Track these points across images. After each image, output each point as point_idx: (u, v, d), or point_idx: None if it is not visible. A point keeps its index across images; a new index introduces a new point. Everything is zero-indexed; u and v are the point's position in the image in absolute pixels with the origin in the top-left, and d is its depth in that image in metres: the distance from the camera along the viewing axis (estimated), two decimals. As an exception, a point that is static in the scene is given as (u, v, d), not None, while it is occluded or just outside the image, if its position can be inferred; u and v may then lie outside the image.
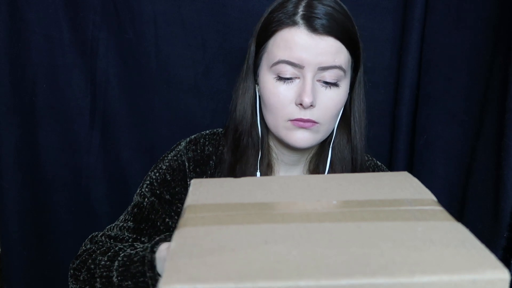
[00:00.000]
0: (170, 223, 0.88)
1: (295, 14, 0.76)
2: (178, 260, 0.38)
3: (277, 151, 0.88)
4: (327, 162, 0.86)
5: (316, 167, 0.88)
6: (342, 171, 0.86)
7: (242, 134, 0.85)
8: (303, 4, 0.76)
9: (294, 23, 0.75)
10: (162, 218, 0.88)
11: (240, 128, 0.85)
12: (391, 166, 1.11)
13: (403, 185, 0.54)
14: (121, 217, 0.90)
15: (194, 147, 0.90)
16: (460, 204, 0.90)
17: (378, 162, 0.95)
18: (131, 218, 0.88)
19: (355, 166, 0.86)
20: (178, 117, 1.15)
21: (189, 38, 1.11)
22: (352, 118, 0.85)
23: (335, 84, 0.79)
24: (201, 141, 0.91)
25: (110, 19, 1.10)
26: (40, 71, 1.11)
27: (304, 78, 0.76)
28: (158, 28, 1.11)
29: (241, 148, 0.86)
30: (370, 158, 0.95)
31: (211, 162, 0.89)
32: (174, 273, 0.36)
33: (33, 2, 1.07)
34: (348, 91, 0.83)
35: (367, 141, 0.92)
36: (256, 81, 0.84)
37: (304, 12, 0.75)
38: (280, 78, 0.77)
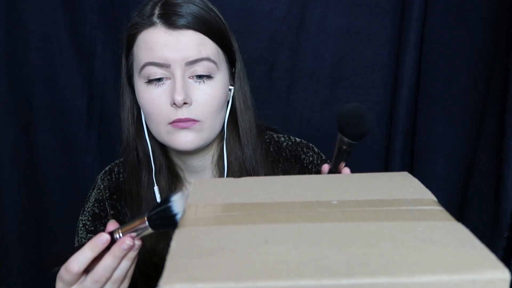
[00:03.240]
0: None
1: (152, 15, 0.75)
2: (178, 260, 0.38)
3: (179, 161, 0.87)
4: (224, 163, 0.84)
5: (221, 169, 0.86)
6: (240, 168, 0.84)
7: (127, 150, 0.83)
8: (159, 4, 0.76)
9: (151, 24, 0.75)
10: None
11: (125, 145, 0.83)
12: (387, 165, 1.11)
13: (403, 185, 0.54)
14: None
15: (108, 177, 0.91)
16: (460, 204, 0.90)
17: (297, 139, 0.91)
18: None
19: (244, 160, 0.84)
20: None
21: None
22: (237, 112, 0.83)
23: (208, 77, 0.77)
24: (115, 169, 0.91)
25: (108, 19, 1.10)
26: (37, 71, 1.10)
27: (173, 76, 0.75)
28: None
29: (130, 166, 0.84)
30: (287, 138, 0.92)
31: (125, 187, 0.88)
32: (174, 273, 0.36)
33: (31, 2, 1.07)
34: (227, 85, 0.81)
35: (365, 139, 0.92)
36: (134, 93, 0.82)
37: (160, 12, 0.75)
38: (151, 82, 0.76)
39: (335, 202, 0.49)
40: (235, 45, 0.83)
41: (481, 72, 0.85)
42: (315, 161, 0.88)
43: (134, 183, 0.84)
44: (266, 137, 0.91)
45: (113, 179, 0.90)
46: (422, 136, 1.01)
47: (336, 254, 0.39)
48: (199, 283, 0.35)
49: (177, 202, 0.55)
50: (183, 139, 0.76)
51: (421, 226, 0.44)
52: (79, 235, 0.87)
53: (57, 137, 1.15)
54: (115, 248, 0.57)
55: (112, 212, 0.88)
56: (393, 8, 1.07)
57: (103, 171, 0.92)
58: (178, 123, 0.75)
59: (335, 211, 0.47)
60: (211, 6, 0.79)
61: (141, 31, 0.75)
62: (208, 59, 0.76)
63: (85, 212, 0.89)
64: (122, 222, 0.83)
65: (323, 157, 0.90)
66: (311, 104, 1.14)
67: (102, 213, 0.88)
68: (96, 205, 0.89)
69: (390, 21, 1.08)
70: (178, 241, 0.42)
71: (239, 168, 0.84)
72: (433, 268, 0.36)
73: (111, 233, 0.59)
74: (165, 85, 0.76)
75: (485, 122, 0.82)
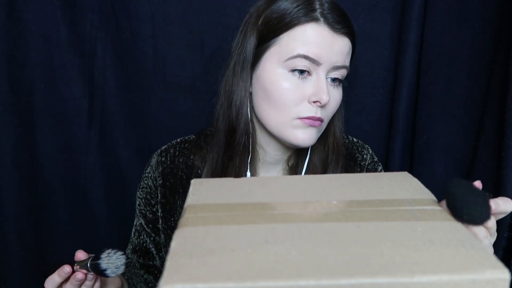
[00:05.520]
0: (158, 239, 0.91)
1: (314, 10, 0.74)
2: (178, 259, 0.38)
3: (261, 151, 0.86)
4: (306, 159, 0.85)
5: (294, 165, 0.87)
6: (319, 165, 0.85)
7: (237, 132, 0.81)
8: (319, 0, 0.75)
9: (314, 19, 0.74)
10: (150, 237, 0.91)
11: (236, 126, 0.81)
12: (387, 165, 1.11)
13: (403, 185, 0.54)
14: (131, 234, 0.94)
15: (163, 159, 0.89)
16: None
17: (354, 139, 0.94)
18: (134, 240, 0.93)
19: (329, 163, 0.85)
20: (176, 118, 1.15)
21: (187, 39, 1.11)
22: (336, 114, 0.84)
23: (340, 82, 0.79)
24: (171, 151, 0.90)
25: (108, 19, 1.10)
26: (37, 71, 1.10)
27: (318, 75, 0.75)
28: (155, 28, 1.11)
29: (235, 148, 0.82)
30: (345, 137, 0.93)
31: (180, 173, 0.88)
32: (174, 273, 0.36)
33: (31, 1, 1.06)
34: None
35: (366, 139, 0.92)
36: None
37: (322, 10, 0.74)
38: (294, 73, 0.75)
39: (335, 202, 0.49)
40: None
41: (481, 72, 0.85)
42: (368, 159, 0.91)
43: (232, 168, 0.82)
44: None
45: (168, 162, 0.89)
46: (422, 136, 1.01)
47: (336, 254, 0.39)
48: (199, 283, 0.35)
49: (105, 259, 0.66)
50: (305, 136, 0.77)
51: (421, 226, 0.44)
52: (136, 210, 0.92)
53: (57, 137, 1.15)
54: (71, 279, 0.69)
55: (163, 200, 0.88)
56: (393, 8, 1.07)
57: (159, 151, 0.91)
58: (309, 120, 0.76)
59: (335, 211, 0.47)
60: None
61: (302, 23, 0.74)
62: (346, 67, 0.78)
63: (140, 191, 0.91)
64: (169, 213, 0.88)
65: (375, 159, 0.93)
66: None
67: (152, 201, 0.89)
68: (147, 189, 0.90)
69: (390, 21, 1.08)
70: (178, 241, 0.42)
71: (322, 168, 0.85)
72: (433, 268, 0.36)
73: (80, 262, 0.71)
74: (306, 80, 0.76)
75: (485, 122, 0.82)
